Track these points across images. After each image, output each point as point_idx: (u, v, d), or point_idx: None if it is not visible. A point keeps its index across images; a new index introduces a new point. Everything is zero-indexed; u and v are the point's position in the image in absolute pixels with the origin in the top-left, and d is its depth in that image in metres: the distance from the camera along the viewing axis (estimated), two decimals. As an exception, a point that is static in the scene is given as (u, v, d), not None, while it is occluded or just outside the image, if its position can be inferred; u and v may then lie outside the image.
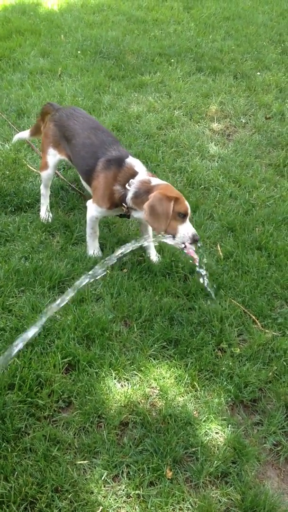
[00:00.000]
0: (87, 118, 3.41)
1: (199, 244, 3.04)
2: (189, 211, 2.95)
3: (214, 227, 3.68)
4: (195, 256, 2.96)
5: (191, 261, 3.03)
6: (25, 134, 3.96)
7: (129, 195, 3.02)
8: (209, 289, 3.07)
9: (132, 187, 3.01)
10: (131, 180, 3.02)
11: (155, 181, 3.02)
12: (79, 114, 3.43)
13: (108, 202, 3.13)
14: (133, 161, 3.10)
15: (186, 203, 2.95)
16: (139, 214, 3.04)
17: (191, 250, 2.96)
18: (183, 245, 2.95)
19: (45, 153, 3.51)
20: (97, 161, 3.14)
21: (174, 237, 2.94)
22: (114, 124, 4.68)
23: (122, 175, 3.06)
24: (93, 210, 3.20)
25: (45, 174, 3.56)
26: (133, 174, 3.05)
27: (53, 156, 3.49)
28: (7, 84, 5.34)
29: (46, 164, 3.52)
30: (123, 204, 3.07)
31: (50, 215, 3.64)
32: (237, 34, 7.00)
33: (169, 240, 2.97)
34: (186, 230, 2.92)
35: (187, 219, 2.95)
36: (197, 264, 2.98)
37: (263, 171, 4.41)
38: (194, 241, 2.93)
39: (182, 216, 2.91)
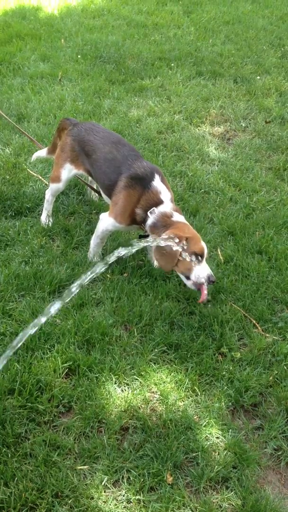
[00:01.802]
0: (107, 133, 3.34)
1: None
2: (205, 252, 2.87)
3: (215, 231, 3.68)
4: (205, 296, 2.87)
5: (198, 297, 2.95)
6: (42, 152, 3.82)
7: (149, 222, 2.99)
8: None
9: (152, 216, 2.97)
10: (154, 208, 2.98)
11: (176, 217, 2.97)
12: (99, 129, 3.35)
13: (128, 220, 3.09)
14: (159, 186, 3.02)
15: (202, 244, 2.88)
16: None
17: (205, 290, 2.87)
18: (196, 286, 2.88)
19: (59, 167, 3.41)
20: (120, 176, 3.07)
21: (188, 277, 2.89)
22: (114, 128, 4.68)
23: (146, 199, 3.00)
24: (109, 224, 3.14)
25: (55, 187, 3.51)
26: (157, 202, 2.99)
27: (68, 171, 3.41)
28: (7, 88, 5.35)
29: (58, 177, 3.44)
30: (143, 225, 3.06)
31: (51, 219, 3.64)
32: (237, 38, 7.01)
33: (184, 280, 2.94)
34: (201, 271, 2.85)
35: (204, 260, 2.87)
36: (200, 302, 2.93)
37: (263, 175, 4.42)
38: (210, 282, 2.85)
39: (198, 257, 2.84)
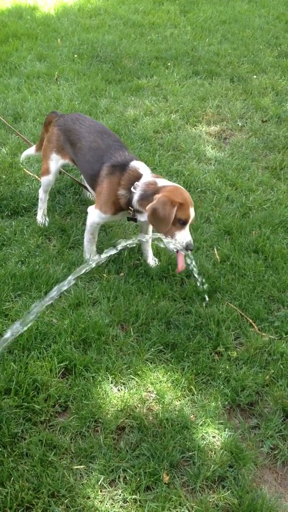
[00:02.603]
0: (93, 122, 3.37)
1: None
2: (191, 218, 2.88)
3: (211, 230, 3.68)
4: (182, 265, 2.91)
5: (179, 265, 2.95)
6: (31, 150, 3.85)
7: (135, 197, 2.97)
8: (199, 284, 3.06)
9: (137, 190, 2.96)
10: (136, 183, 2.97)
11: (161, 182, 2.97)
12: (85, 119, 3.39)
13: (112, 208, 3.09)
14: (137, 164, 3.05)
15: (190, 210, 2.87)
16: (145, 217, 2.97)
17: (181, 257, 2.91)
18: (175, 250, 2.91)
19: (47, 159, 3.44)
20: (102, 165, 3.09)
21: (168, 241, 2.90)
22: (111, 127, 4.67)
23: (126, 178, 3.01)
24: (95, 216, 3.16)
25: (46, 180, 3.52)
26: (138, 176, 3.00)
27: (56, 162, 3.44)
28: (3, 88, 5.34)
29: (47, 169, 3.47)
30: (130, 208, 3.04)
31: (47, 219, 3.64)
32: (234, 37, 7.02)
33: (164, 242, 2.94)
34: (182, 236, 2.86)
35: (187, 226, 2.89)
36: (178, 272, 2.95)
37: (260, 174, 4.42)
38: (186, 249, 2.88)
39: (182, 223, 2.85)
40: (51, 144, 3.41)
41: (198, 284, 3.09)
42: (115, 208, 3.09)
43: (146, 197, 2.93)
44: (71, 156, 3.37)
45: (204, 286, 3.09)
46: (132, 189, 2.98)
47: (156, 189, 2.93)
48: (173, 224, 2.84)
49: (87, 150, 3.20)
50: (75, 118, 3.38)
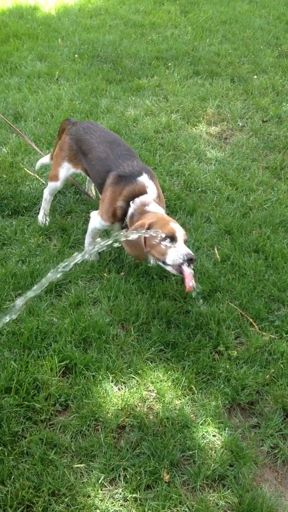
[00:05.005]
0: (104, 132, 3.32)
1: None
2: (178, 233, 2.72)
3: (211, 230, 3.68)
4: (191, 284, 2.66)
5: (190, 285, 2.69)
6: (46, 159, 3.79)
7: (129, 212, 2.96)
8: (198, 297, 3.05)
9: (132, 206, 2.94)
10: (136, 199, 2.95)
11: (151, 206, 2.91)
12: (97, 128, 3.35)
13: (112, 217, 3.08)
14: (145, 181, 2.99)
15: (171, 225, 2.74)
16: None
17: (187, 275, 2.67)
18: (177, 270, 2.72)
19: (57, 166, 3.42)
20: (108, 174, 3.06)
21: (165, 263, 2.75)
22: (111, 127, 4.68)
23: (129, 190, 2.97)
24: (96, 222, 3.16)
25: (53, 185, 3.50)
26: (141, 192, 2.95)
27: (66, 170, 3.41)
28: (4, 88, 5.34)
29: (56, 176, 3.44)
30: (124, 219, 3.03)
31: (47, 218, 3.64)
32: (234, 37, 7.02)
33: (165, 267, 2.80)
34: (176, 252, 2.69)
35: (179, 242, 2.72)
36: (193, 292, 2.80)
37: (260, 174, 4.42)
38: (189, 261, 2.66)
39: (171, 240, 2.70)
40: (63, 152, 3.38)
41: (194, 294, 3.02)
42: (114, 218, 3.09)
43: (134, 218, 2.91)
44: (83, 166, 3.34)
45: (198, 294, 3.03)
46: (130, 203, 2.96)
47: (141, 212, 2.90)
48: (159, 244, 2.71)
49: (97, 160, 3.17)
50: (86, 127, 3.34)
